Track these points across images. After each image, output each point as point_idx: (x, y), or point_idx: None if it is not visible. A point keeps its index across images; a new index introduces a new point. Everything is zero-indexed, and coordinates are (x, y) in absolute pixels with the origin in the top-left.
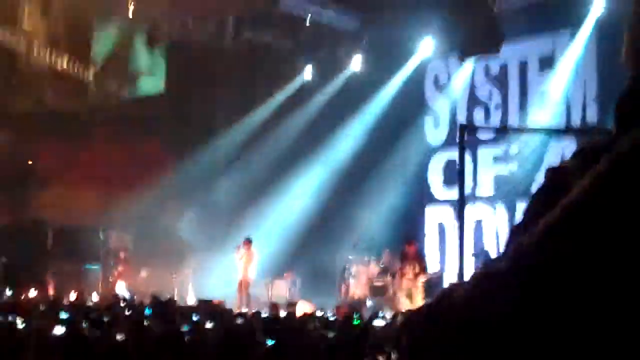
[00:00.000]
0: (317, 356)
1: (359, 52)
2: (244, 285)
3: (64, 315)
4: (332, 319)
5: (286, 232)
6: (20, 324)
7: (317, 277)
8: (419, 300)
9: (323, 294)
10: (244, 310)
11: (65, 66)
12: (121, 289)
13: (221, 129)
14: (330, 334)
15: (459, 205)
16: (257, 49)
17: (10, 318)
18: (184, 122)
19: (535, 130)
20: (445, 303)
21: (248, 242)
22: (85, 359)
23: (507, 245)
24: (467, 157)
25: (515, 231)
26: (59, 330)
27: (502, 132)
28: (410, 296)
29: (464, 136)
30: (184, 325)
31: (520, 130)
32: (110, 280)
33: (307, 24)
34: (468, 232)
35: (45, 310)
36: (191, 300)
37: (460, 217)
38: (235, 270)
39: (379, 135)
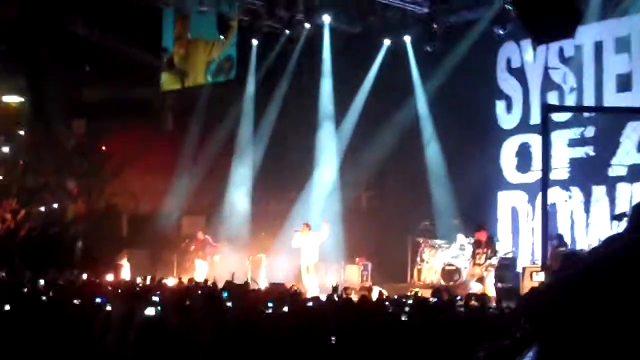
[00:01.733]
0: (393, 340)
1: (430, 38)
2: (310, 268)
3: (155, 298)
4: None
5: (357, 217)
6: (108, 305)
7: (388, 262)
8: (491, 285)
9: (395, 279)
10: (314, 294)
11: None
12: (201, 269)
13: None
14: (404, 317)
15: (542, 188)
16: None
17: (98, 300)
18: (253, 107)
19: (618, 110)
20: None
21: (307, 225)
22: (167, 343)
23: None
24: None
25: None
26: (150, 311)
27: (589, 111)
28: (481, 281)
29: (548, 117)
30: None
31: (603, 110)
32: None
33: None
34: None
35: (133, 292)
36: (263, 284)
37: (543, 199)
38: (298, 252)
39: (451, 119)
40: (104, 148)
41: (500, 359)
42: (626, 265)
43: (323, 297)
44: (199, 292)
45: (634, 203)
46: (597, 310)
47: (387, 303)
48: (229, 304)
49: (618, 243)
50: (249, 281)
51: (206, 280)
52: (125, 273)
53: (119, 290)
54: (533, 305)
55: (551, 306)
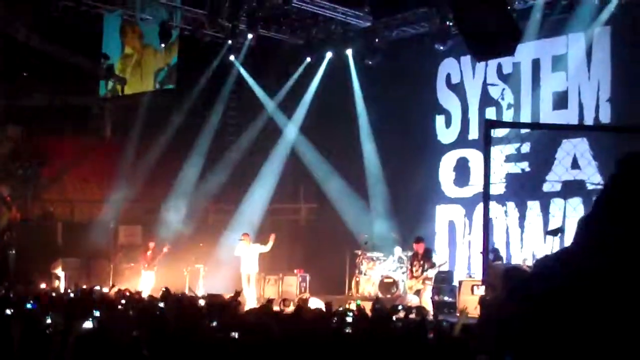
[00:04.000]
0: (335, 352)
1: (372, 51)
2: (251, 278)
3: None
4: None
5: (296, 229)
6: (48, 318)
7: (327, 274)
8: (428, 297)
9: (333, 290)
10: (252, 305)
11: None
12: (147, 281)
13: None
14: (348, 329)
15: (484, 202)
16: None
17: (29, 306)
18: (193, 117)
19: (556, 127)
20: None
21: (247, 235)
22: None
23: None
24: (481, 156)
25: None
26: (88, 324)
27: (530, 127)
28: (418, 293)
29: (490, 132)
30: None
31: (542, 127)
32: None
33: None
34: (478, 230)
35: (69, 304)
36: (201, 294)
37: (485, 213)
38: (237, 264)
39: (391, 132)
40: (39, 154)
41: None
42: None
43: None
44: (136, 303)
45: (567, 218)
46: (564, 323)
47: (332, 317)
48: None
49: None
50: (187, 292)
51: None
52: (60, 283)
53: (54, 301)
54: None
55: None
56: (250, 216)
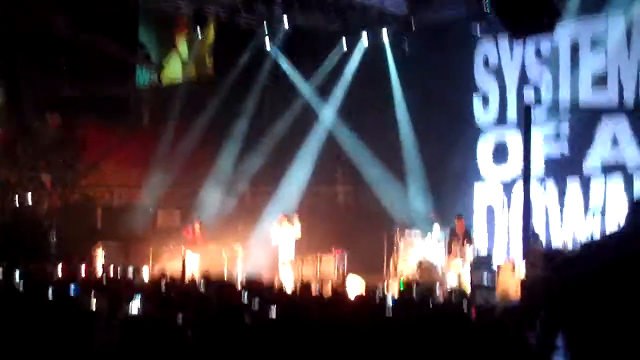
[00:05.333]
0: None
1: (408, 34)
2: (287, 264)
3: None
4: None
5: (333, 211)
6: (93, 301)
7: (364, 254)
8: (467, 279)
9: (370, 271)
10: (289, 286)
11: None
12: (193, 262)
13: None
14: (388, 313)
15: (524, 185)
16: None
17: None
18: (230, 103)
19: (594, 108)
20: None
21: (285, 216)
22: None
23: None
24: (519, 137)
25: None
26: (134, 308)
27: (568, 109)
28: (458, 275)
29: (530, 113)
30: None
31: (583, 107)
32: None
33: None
34: (517, 211)
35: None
36: (240, 276)
37: (525, 196)
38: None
39: (428, 115)
40: (79, 142)
41: None
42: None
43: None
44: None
45: (608, 198)
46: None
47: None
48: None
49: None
50: (226, 274)
51: (183, 274)
52: (99, 264)
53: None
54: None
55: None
56: (287, 198)
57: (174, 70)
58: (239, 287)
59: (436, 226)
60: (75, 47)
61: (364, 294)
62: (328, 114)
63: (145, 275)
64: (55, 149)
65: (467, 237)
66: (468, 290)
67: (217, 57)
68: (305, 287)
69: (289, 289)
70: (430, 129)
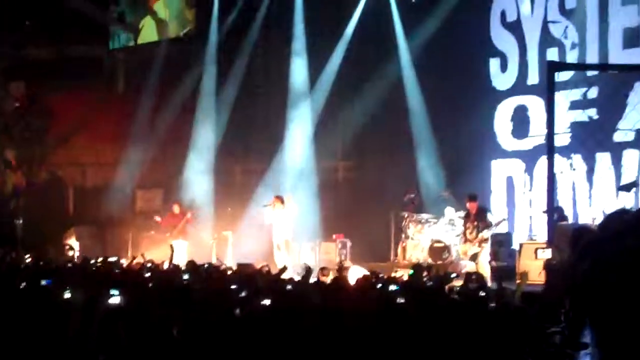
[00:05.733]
0: (384, 322)
1: None
2: (282, 246)
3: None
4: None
5: (333, 189)
6: (66, 292)
7: (369, 239)
8: (485, 263)
9: (377, 257)
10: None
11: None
12: (180, 250)
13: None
14: (399, 299)
15: (548, 156)
16: None
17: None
18: (216, 66)
19: (627, 68)
20: None
21: (278, 198)
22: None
23: None
24: (542, 103)
25: None
26: (114, 299)
27: (596, 69)
28: (474, 258)
29: (553, 76)
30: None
31: (611, 68)
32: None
33: None
34: (540, 186)
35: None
36: (230, 264)
37: (549, 169)
38: (268, 228)
39: (438, 79)
40: (46, 113)
41: None
42: None
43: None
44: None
45: None
46: None
47: (378, 285)
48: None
49: None
50: (215, 261)
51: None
52: (74, 254)
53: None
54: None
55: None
56: (281, 176)
57: (150, 34)
58: (229, 274)
59: (448, 208)
60: (41, 3)
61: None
62: (326, 78)
63: (125, 264)
64: (20, 120)
65: (482, 218)
66: (486, 273)
67: (199, 11)
68: (307, 270)
69: (285, 275)
70: (441, 95)
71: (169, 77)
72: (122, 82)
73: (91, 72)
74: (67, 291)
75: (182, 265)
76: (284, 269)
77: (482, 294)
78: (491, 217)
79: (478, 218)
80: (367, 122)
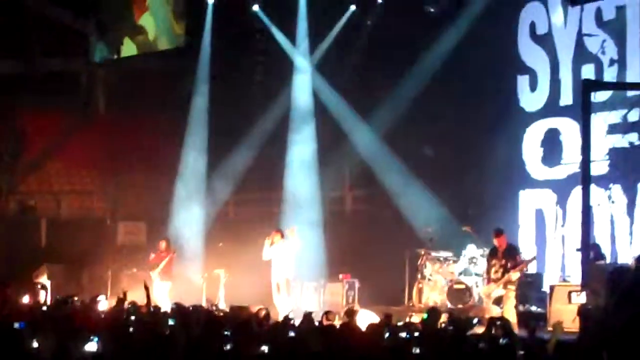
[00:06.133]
0: None
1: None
2: (281, 286)
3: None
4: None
5: (341, 222)
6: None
7: (380, 280)
8: (511, 307)
9: (390, 301)
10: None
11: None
12: (161, 293)
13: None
14: (417, 350)
15: (583, 187)
16: None
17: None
18: (209, 84)
19: None
20: None
21: (279, 232)
22: None
23: None
24: (576, 127)
25: None
26: (90, 346)
27: (638, 89)
28: (499, 302)
29: (589, 96)
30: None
31: None
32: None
33: None
34: (574, 221)
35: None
36: (223, 306)
37: (584, 201)
38: (266, 266)
39: (460, 99)
40: (16, 134)
41: None
42: None
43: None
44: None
45: None
46: None
47: (388, 333)
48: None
49: None
50: (205, 304)
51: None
52: (47, 295)
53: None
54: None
55: None
56: (282, 206)
57: (134, 48)
58: (220, 319)
59: (470, 245)
60: (12, 10)
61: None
62: (332, 98)
63: (103, 306)
64: None
65: (511, 257)
66: (513, 319)
67: (190, 24)
68: (305, 316)
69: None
70: (463, 117)
71: (155, 95)
72: (103, 100)
73: (67, 88)
74: (37, 338)
75: (167, 308)
76: (286, 320)
77: (508, 342)
78: (520, 256)
79: (505, 256)
80: (379, 147)
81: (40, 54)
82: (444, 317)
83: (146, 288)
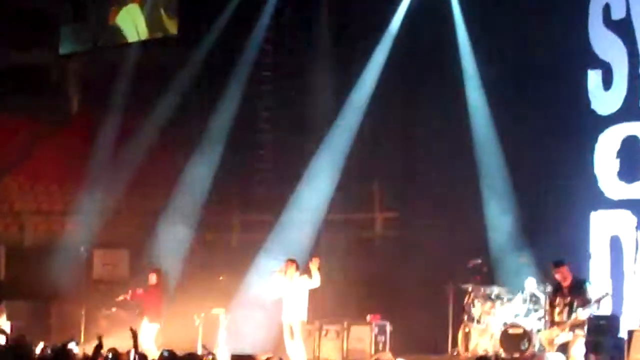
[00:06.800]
0: None
1: None
2: (295, 330)
3: None
4: None
5: (369, 251)
6: None
7: (418, 322)
8: (579, 357)
9: (429, 348)
10: None
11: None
12: (148, 336)
13: None
14: None
15: None
16: None
17: None
18: (205, 79)
19: None
20: None
21: (293, 262)
22: None
23: None
24: None
25: None
26: None
27: None
28: (565, 349)
29: None
30: None
31: None
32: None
33: None
34: None
35: None
36: (222, 356)
37: None
38: (275, 306)
39: (516, 100)
40: None
41: None
42: None
43: None
44: None
45: None
46: None
47: None
48: None
49: None
50: (202, 351)
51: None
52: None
53: None
54: None
55: None
56: (296, 233)
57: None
58: None
59: (530, 279)
60: None
61: None
62: (360, 96)
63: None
64: None
65: (578, 293)
66: None
67: (185, 19)
68: None
69: None
70: (519, 123)
71: (141, 94)
72: (77, 99)
73: (34, 85)
74: None
75: (155, 356)
76: None
77: None
78: (590, 292)
79: (572, 293)
80: (416, 161)
81: (4, 44)
82: None
83: (134, 333)
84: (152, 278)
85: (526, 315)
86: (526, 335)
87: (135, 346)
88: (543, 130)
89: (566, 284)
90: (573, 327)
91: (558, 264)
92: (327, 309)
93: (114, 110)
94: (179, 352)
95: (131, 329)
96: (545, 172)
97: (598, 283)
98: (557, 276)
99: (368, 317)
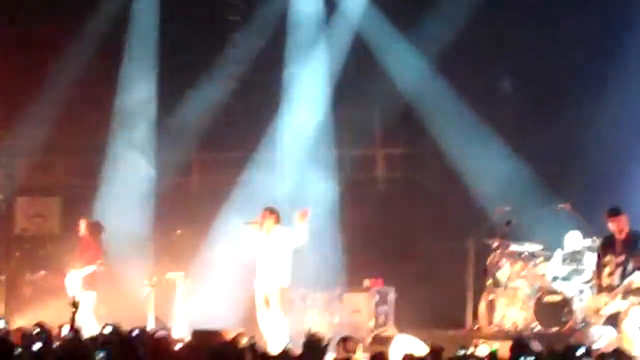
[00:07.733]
0: None
1: None
2: (272, 299)
3: None
4: None
5: (367, 200)
6: None
7: (429, 288)
8: (633, 331)
9: (444, 321)
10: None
11: None
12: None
13: None
14: None
15: None
16: None
17: None
18: None
19: None
20: None
21: (272, 213)
22: None
23: None
24: None
25: None
26: None
27: None
28: (616, 321)
29: None
30: None
31: None
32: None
33: None
34: None
35: None
36: (180, 331)
37: None
38: (247, 269)
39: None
40: None
41: None
42: None
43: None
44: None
45: None
46: None
47: None
48: None
49: None
50: (154, 326)
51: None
52: None
53: None
54: None
55: None
56: (274, 178)
57: None
58: (179, 349)
59: (571, 233)
60: None
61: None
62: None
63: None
64: None
65: (636, 251)
66: (636, 350)
67: None
68: (308, 344)
69: (276, 348)
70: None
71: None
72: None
73: None
74: None
75: (93, 333)
76: (285, 354)
77: None
78: None
79: (627, 249)
80: (426, 83)
81: None
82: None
83: (75, 305)
84: (82, 228)
85: (566, 278)
86: (566, 304)
87: (72, 320)
88: (590, 49)
89: (621, 237)
90: (626, 294)
91: (614, 212)
92: (313, 272)
93: (39, 12)
94: (125, 327)
95: (73, 300)
96: (593, 101)
97: None
98: (612, 226)
99: (366, 282)
